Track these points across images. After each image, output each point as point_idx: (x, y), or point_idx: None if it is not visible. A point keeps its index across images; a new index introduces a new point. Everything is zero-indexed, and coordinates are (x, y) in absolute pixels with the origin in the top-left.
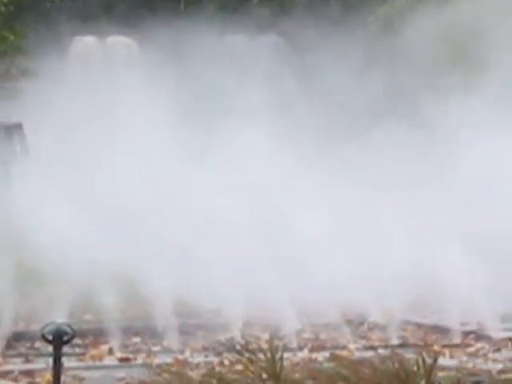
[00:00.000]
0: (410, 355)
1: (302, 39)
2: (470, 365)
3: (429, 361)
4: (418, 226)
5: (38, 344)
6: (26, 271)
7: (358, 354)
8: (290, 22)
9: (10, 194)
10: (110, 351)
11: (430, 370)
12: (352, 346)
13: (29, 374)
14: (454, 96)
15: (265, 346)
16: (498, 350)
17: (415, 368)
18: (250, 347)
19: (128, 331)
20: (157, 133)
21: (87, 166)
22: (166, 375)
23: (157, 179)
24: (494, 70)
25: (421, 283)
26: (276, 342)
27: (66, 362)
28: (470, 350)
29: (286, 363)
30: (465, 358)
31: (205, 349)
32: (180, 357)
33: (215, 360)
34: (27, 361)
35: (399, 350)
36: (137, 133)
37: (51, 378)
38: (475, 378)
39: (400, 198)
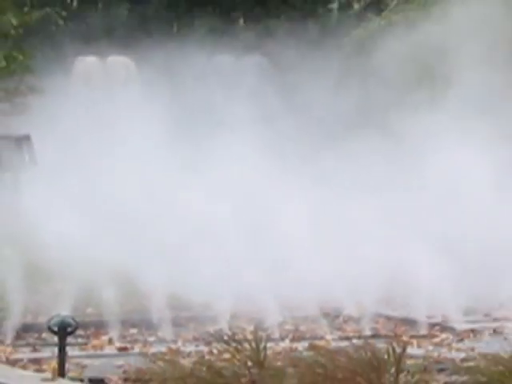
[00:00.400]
0: (381, 345)
1: (283, 59)
2: (436, 354)
3: (398, 350)
4: (388, 227)
5: (44, 335)
6: (34, 269)
7: (334, 344)
8: (273, 43)
9: (19, 198)
10: (110, 341)
11: (399, 359)
12: (329, 337)
13: (36, 362)
14: (421, 110)
15: (250, 336)
16: (461, 340)
17: (386, 357)
18: (237, 338)
19: (126, 323)
20: (152, 143)
21: (89, 174)
22: (160, 363)
23: (152, 185)
24: (456, 88)
25: (391, 280)
26: (260, 333)
27: (70, 351)
28: (436, 340)
29: (269, 352)
30: (431, 348)
31: (195, 339)
32: (173, 346)
33: (205, 349)
34: (35, 350)
35: (372, 341)
36: (134, 143)
37: (56, 366)
38: (440, 366)
39: (372, 200)
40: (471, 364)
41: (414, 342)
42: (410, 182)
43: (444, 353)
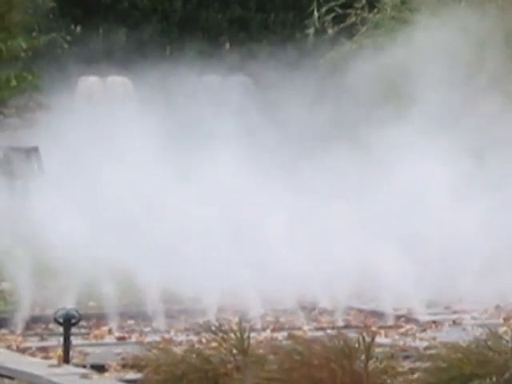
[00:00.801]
0: (352, 335)
1: (265, 79)
2: (401, 342)
3: (368, 339)
4: (359, 230)
5: (51, 326)
6: (42, 267)
7: (310, 334)
8: (256, 65)
9: (29, 204)
10: (110, 331)
11: (368, 347)
12: (305, 328)
13: (44, 350)
14: (387, 125)
15: (235, 327)
16: (424, 330)
17: (357, 345)
18: (223, 328)
19: (124, 315)
20: (148, 154)
21: (91, 181)
22: (154, 351)
23: (148, 191)
24: (420, 105)
25: (361, 277)
26: (244, 324)
27: (74, 340)
28: (401, 330)
29: (252, 341)
30: (397, 337)
31: (186, 329)
32: (166, 336)
33: (195, 339)
34: (42, 339)
35: (344, 331)
36: (132, 154)
37: (62, 353)
38: (405, 353)
39: (344, 205)
40: (433, 352)
41: (382, 332)
42: (378, 189)
43: (409, 342)
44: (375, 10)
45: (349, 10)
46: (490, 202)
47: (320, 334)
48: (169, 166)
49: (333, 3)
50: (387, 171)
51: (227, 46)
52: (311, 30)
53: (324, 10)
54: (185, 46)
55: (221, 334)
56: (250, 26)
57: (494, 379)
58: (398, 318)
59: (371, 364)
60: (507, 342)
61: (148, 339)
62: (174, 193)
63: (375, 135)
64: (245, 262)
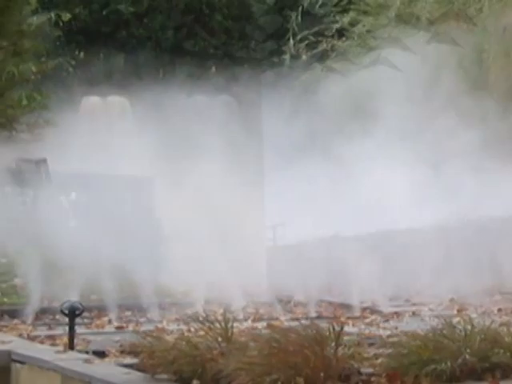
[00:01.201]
0: (323, 325)
1: (246, 98)
2: (367, 331)
3: (337, 328)
4: (329, 231)
5: (57, 316)
6: (50, 265)
7: (286, 324)
8: (238, 86)
9: (38, 210)
10: (109, 322)
11: (338, 335)
12: (282, 318)
13: (51, 338)
14: (355, 139)
15: (220, 318)
16: (387, 320)
17: (327, 334)
18: (209, 319)
19: (122, 307)
20: (144, 165)
21: (92, 189)
22: (149, 339)
23: (142, 196)
24: (383, 121)
25: (332, 273)
26: (228, 315)
27: (78, 329)
28: (367, 320)
29: (235, 330)
30: (363, 327)
31: (177, 320)
32: (159, 325)
33: (184, 328)
34: (50, 328)
35: (316, 321)
36: (129, 165)
37: (67, 341)
38: (370, 341)
39: (317, 210)
40: (395, 339)
41: (350, 322)
42: (347, 196)
43: (373, 331)
44: (344, 38)
45: (320, 38)
46: (445, 206)
47: (295, 323)
48: (162, 174)
49: (306, 32)
50: (354, 180)
51: (213, 69)
52: (287, 56)
53: (298, 38)
54: (175, 69)
55: (207, 324)
56: (233, 52)
57: (449, 364)
58: (364, 309)
59: (340, 350)
60: (460, 330)
61: (143, 328)
62: (164, 197)
63: (344, 148)
64: (228, 260)
